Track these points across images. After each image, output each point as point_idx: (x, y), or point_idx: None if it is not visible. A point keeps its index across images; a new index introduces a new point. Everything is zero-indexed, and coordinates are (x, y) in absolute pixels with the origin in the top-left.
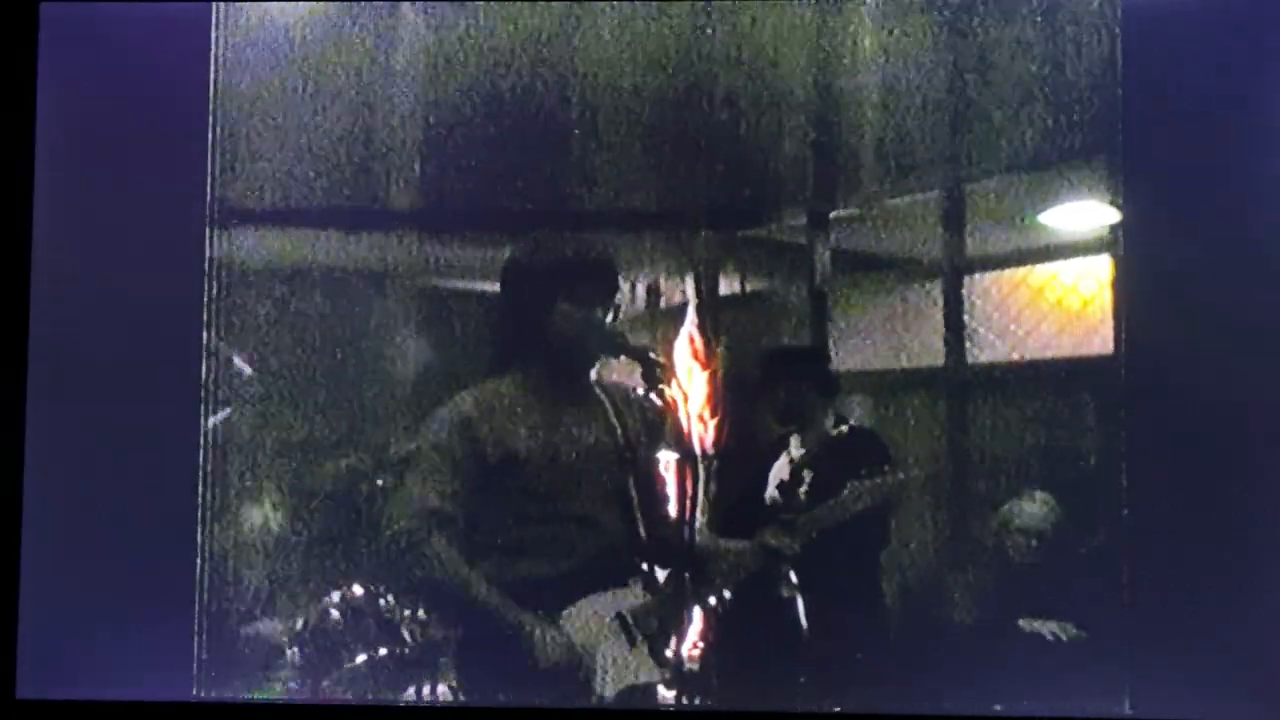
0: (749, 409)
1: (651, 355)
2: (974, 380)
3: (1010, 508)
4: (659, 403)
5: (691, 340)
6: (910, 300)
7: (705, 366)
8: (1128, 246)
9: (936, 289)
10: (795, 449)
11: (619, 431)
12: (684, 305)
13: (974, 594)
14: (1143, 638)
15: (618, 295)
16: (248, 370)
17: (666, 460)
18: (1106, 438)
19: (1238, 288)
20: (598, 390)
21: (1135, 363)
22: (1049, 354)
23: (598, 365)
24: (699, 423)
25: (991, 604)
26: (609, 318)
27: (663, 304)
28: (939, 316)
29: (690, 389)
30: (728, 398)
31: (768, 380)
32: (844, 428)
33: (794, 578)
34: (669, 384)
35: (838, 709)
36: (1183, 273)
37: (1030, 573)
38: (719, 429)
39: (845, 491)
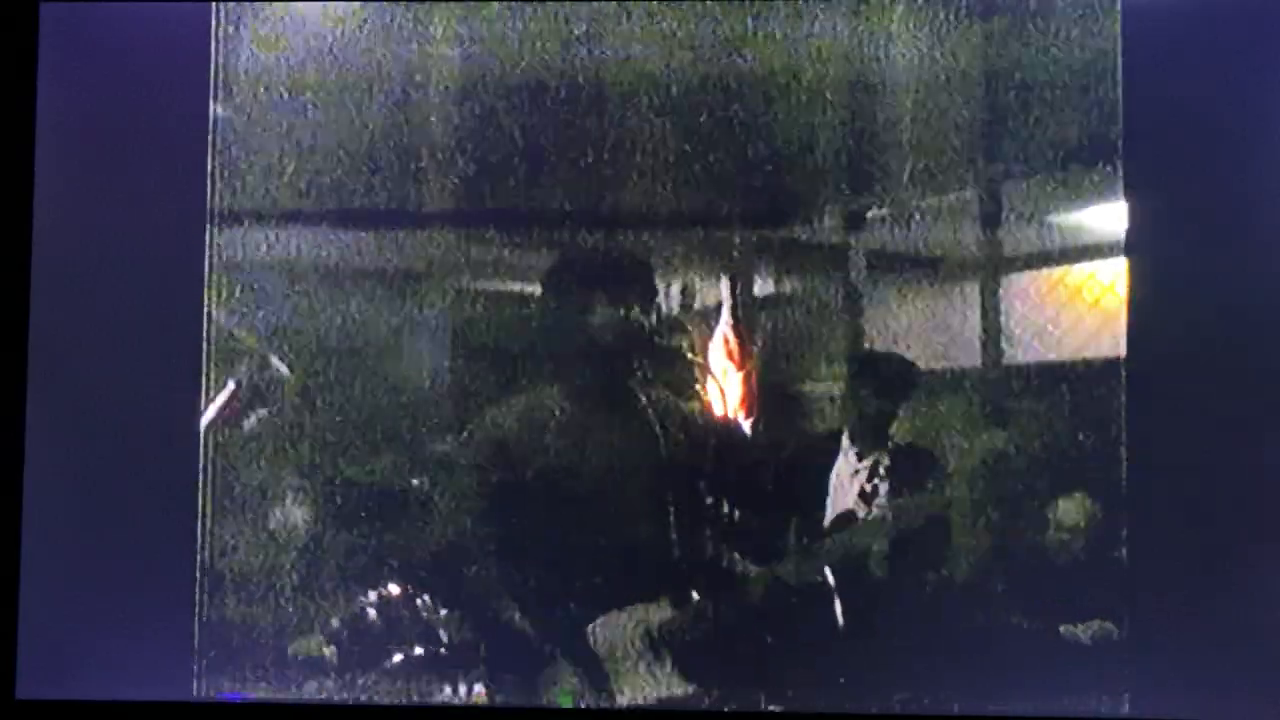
0: (789, 413)
1: (688, 356)
2: (996, 381)
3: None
4: (696, 407)
5: (726, 341)
6: (941, 300)
7: (740, 368)
8: (1129, 247)
9: (964, 289)
10: (853, 460)
11: (660, 440)
12: (719, 306)
13: (973, 594)
14: (1143, 638)
15: (655, 298)
16: (285, 371)
17: (705, 468)
18: (1106, 436)
19: (1246, 287)
20: (640, 397)
21: (1137, 362)
22: (1055, 355)
23: (636, 370)
24: (737, 426)
25: (991, 604)
26: (646, 320)
27: (697, 305)
28: (971, 316)
29: (726, 390)
30: (765, 400)
31: (849, 385)
32: (898, 440)
33: (832, 584)
34: (705, 386)
35: (837, 709)
36: (1186, 273)
37: (1030, 572)
38: (756, 433)
39: (904, 505)
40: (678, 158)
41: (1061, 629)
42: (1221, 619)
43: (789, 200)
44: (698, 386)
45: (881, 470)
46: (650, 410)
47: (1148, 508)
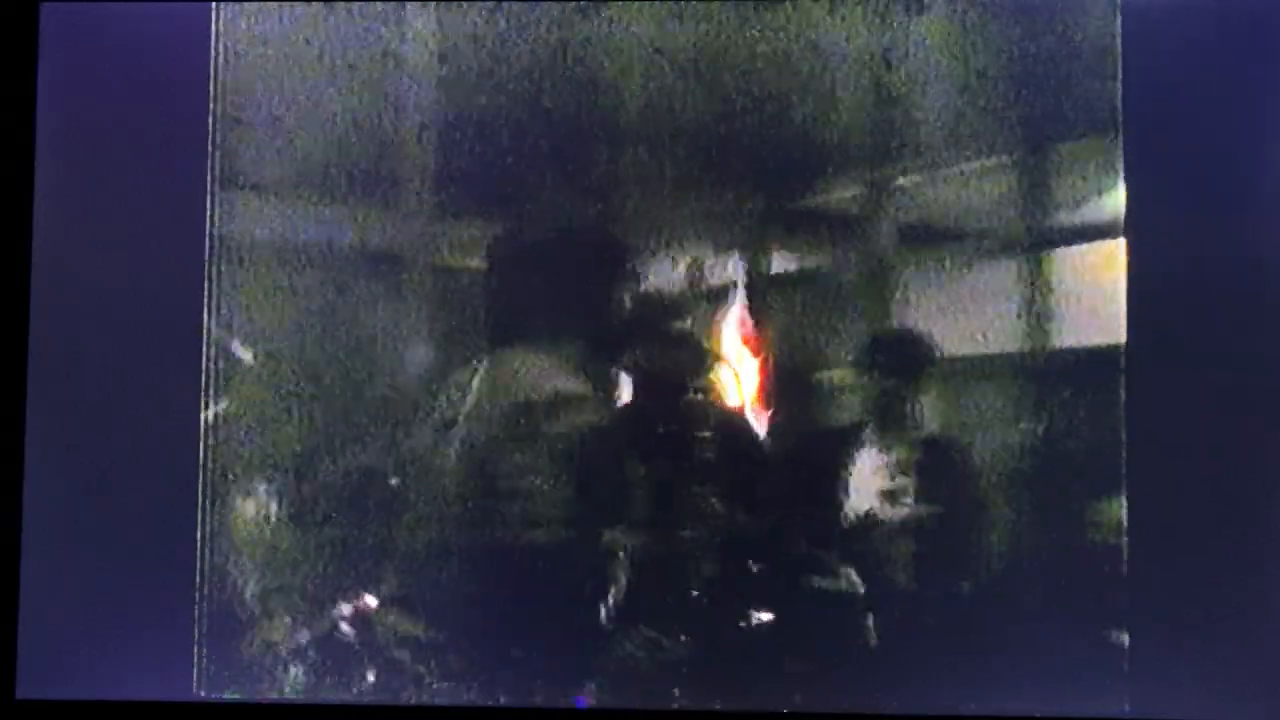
0: (807, 400)
1: (700, 340)
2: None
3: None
4: (708, 396)
5: (741, 322)
6: (974, 278)
7: (756, 352)
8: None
9: (998, 269)
10: (875, 454)
11: (669, 431)
12: (733, 283)
13: (972, 592)
14: (1142, 637)
15: (659, 272)
16: (247, 357)
17: (717, 462)
18: (1106, 431)
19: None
20: (647, 384)
21: (1139, 355)
22: (1063, 342)
23: (642, 355)
24: (749, 413)
25: (990, 602)
26: (652, 297)
27: (709, 283)
28: (1008, 297)
29: (741, 375)
30: (782, 386)
31: (871, 373)
32: (924, 430)
33: (856, 578)
34: (717, 370)
35: (834, 709)
36: (1188, 264)
37: (1029, 571)
38: (772, 420)
39: (928, 499)
40: (689, 123)
41: (1059, 627)
42: (1222, 618)
43: (803, 174)
44: (709, 374)
45: (904, 465)
46: (658, 400)
47: (1149, 503)
